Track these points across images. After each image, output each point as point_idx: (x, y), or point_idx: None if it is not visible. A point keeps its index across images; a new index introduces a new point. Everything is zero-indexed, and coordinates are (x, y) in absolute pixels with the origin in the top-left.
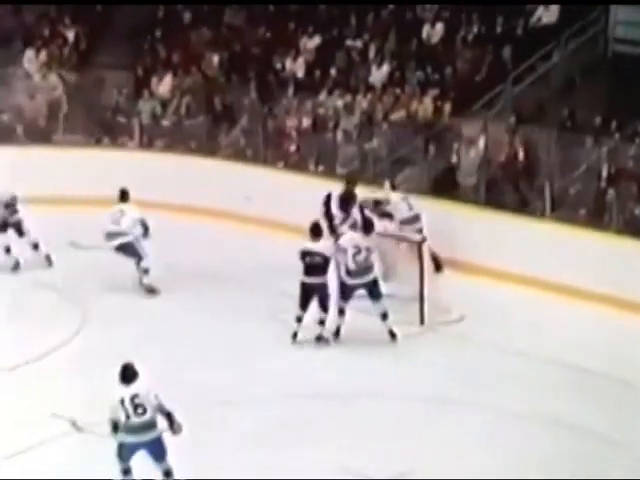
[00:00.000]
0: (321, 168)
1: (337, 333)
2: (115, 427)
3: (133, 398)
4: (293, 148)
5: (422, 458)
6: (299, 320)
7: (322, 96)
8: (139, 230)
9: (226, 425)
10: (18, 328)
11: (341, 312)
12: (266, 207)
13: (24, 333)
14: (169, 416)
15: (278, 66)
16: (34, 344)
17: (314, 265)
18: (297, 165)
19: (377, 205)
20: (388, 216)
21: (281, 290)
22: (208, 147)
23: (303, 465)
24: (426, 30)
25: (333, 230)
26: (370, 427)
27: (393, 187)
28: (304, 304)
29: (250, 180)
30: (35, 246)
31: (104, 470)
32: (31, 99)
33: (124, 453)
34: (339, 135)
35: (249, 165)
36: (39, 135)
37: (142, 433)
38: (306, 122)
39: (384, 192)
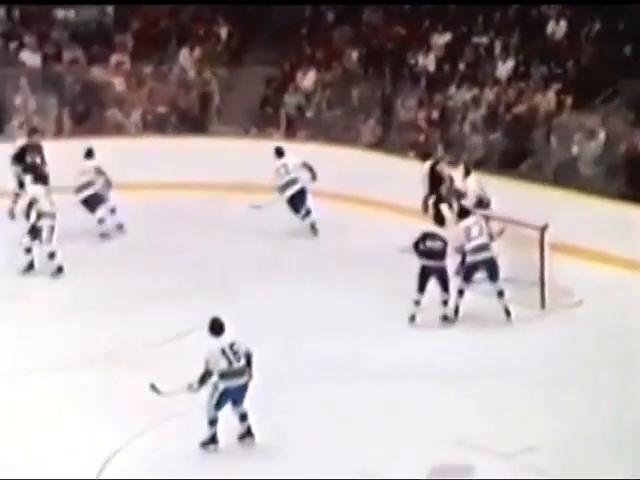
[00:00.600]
0: (448, 158)
1: (456, 313)
2: (204, 378)
3: (232, 346)
4: (423, 138)
5: (540, 435)
6: (417, 303)
7: (451, 89)
8: (306, 174)
9: (336, 397)
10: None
11: (461, 293)
12: (398, 193)
13: (172, 310)
14: (249, 362)
15: (411, 61)
16: (183, 320)
17: (435, 248)
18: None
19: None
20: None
21: (412, 272)
22: (347, 137)
23: (421, 439)
24: (551, 26)
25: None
26: (489, 404)
27: (467, 172)
28: (422, 287)
29: (384, 167)
30: (51, 255)
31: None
32: (186, 93)
33: (223, 400)
34: (466, 126)
35: (383, 154)
36: (193, 126)
37: (240, 377)
38: (435, 114)
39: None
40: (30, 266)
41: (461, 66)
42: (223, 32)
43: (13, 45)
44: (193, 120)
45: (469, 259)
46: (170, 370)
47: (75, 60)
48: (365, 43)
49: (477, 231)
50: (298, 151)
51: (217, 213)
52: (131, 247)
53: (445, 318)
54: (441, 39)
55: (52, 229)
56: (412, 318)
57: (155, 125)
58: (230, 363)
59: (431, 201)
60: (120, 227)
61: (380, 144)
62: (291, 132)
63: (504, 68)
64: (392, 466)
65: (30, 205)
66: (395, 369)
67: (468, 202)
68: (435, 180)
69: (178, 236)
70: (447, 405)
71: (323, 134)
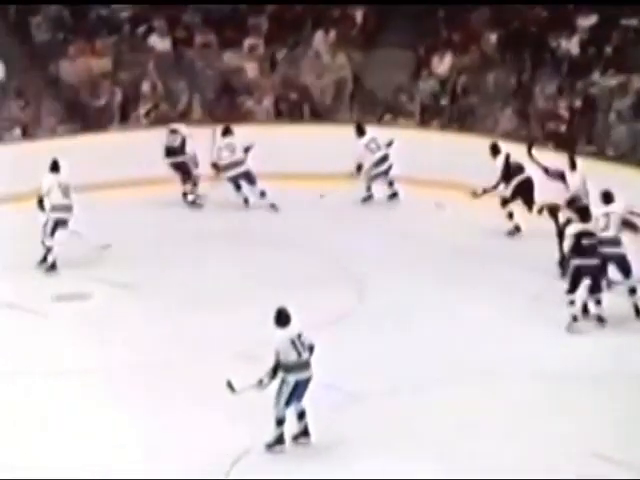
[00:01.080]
0: (591, 149)
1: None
2: (275, 371)
3: (299, 336)
4: (563, 128)
5: None
6: (572, 303)
7: (595, 75)
8: None
9: (465, 399)
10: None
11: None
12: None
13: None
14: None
15: (553, 45)
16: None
17: (590, 246)
18: (567, 145)
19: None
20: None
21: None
22: (483, 126)
23: (554, 449)
24: None
25: None
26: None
27: (573, 165)
28: (574, 287)
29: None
30: (48, 250)
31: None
32: (319, 78)
33: (294, 395)
34: (611, 116)
35: (520, 144)
36: (324, 114)
37: (309, 369)
38: (578, 102)
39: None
40: (44, 259)
41: (607, 50)
42: (359, 15)
43: (141, 29)
44: (325, 107)
45: (601, 250)
46: None
47: (207, 44)
48: (504, 25)
49: (604, 224)
50: (433, 140)
51: (341, 204)
52: (255, 236)
53: (599, 319)
54: (586, 21)
55: (57, 222)
56: (574, 318)
57: (287, 112)
58: (299, 355)
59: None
60: (273, 207)
61: (517, 134)
62: (425, 120)
63: None
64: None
65: (41, 198)
66: (522, 372)
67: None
68: (509, 173)
69: (300, 226)
70: (577, 409)
71: (458, 122)
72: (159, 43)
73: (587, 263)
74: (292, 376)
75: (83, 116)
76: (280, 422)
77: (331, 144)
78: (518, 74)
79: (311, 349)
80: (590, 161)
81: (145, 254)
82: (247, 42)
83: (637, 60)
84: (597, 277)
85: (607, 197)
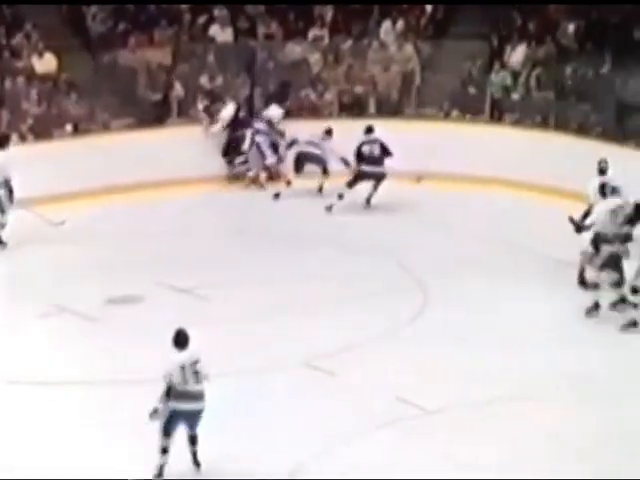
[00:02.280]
0: None
1: None
2: (168, 395)
3: (194, 364)
4: None
5: None
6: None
7: None
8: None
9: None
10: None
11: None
12: None
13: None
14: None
15: (637, 36)
16: (375, 324)
17: None
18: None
19: None
20: None
21: None
22: (557, 122)
23: None
24: None
25: None
26: None
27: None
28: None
29: (595, 158)
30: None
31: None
32: (385, 71)
33: (173, 424)
34: None
35: (596, 141)
36: (390, 108)
37: (198, 401)
38: None
39: None
40: None
41: None
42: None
43: (202, 20)
44: (391, 101)
45: None
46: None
47: (270, 35)
48: (584, 15)
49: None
50: (505, 136)
51: (407, 204)
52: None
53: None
54: None
55: None
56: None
57: (350, 106)
58: (185, 383)
59: None
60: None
61: (593, 131)
62: (496, 115)
63: None
64: None
65: None
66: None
67: None
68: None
69: (363, 226)
70: None
71: (531, 118)
72: (220, 34)
73: None
74: (171, 403)
75: (139, 111)
76: (163, 451)
77: (396, 141)
78: (597, 67)
79: (204, 378)
80: None
81: (205, 256)
82: (311, 32)
83: None
84: None
85: None
